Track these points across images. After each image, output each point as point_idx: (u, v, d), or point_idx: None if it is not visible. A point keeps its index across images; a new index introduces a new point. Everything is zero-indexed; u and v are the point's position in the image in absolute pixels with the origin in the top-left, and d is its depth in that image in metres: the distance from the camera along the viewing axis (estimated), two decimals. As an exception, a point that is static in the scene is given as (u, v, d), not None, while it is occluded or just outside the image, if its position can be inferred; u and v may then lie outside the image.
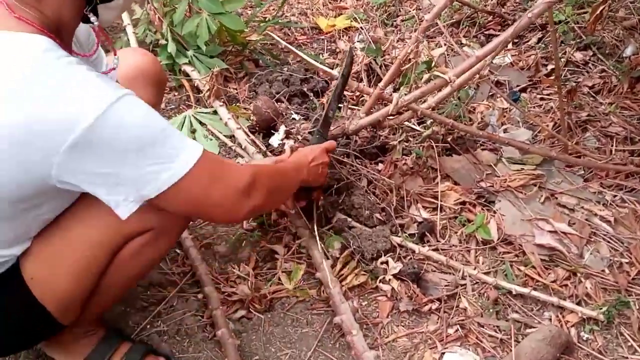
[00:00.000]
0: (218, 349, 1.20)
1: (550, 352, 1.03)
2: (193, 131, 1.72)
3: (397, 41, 2.04)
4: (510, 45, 2.02)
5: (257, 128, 1.66)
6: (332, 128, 1.43)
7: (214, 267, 1.38)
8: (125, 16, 1.99)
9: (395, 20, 2.19)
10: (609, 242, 1.34)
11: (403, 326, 1.19)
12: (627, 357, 1.11)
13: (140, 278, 1.15)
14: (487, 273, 1.25)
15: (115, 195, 0.81)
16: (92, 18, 0.85)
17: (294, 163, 1.19)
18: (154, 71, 1.21)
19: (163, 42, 1.90)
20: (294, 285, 1.27)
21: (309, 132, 1.50)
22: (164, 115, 1.75)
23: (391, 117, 1.42)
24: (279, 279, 1.31)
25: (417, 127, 1.61)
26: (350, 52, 1.38)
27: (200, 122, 1.73)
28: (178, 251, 1.43)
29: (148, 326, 1.28)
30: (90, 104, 0.74)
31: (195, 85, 1.85)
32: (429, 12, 2.12)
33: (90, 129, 0.73)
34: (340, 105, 1.36)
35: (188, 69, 1.87)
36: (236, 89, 1.86)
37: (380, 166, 1.55)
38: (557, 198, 1.46)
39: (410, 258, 1.28)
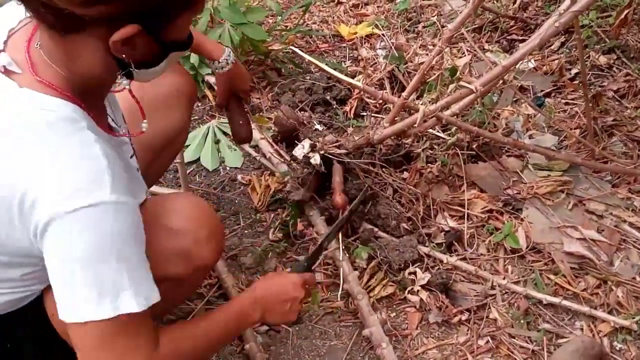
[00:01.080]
0: (246, 362, 1.21)
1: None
2: (217, 142, 1.74)
3: (420, 47, 2.04)
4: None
5: (279, 138, 1.67)
6: (356, 137, 1.43)
7: (241, 279, 1.38)
8: None
9: (417, 27, 2.18)
10: (639, 249, 1.31)
11: (433, 338, 1.19)
12: (662, 369, 1.09)
13: None
14: (516, 282, 1.24)
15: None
16: (125, 82, 0.77)
17: (242, 308, 0.95)
18: (189, 92, 1.20)
19: (185, 52, 1.93)
20: (320, 295, 1.27)
21: (295, 261, 1.39)
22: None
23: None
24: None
25: (442, 135, 1.60)
26: (365, 191, 1.32)
27: (224, 133, 1.75)
28: (205, 262, 1.44)
29: (177, 338, 1.29)
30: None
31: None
32: (450, 18, 2.12)
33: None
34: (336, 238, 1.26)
35: (211, 79, 1.89)
36: (259, 98, 1.87)
37: (405, 174, 1.55)
38: (585, 205, 1.44)
39: (439, 268, 1.28)
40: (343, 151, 1.41)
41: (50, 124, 0.69)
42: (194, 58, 1.88)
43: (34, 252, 0.71)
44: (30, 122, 0.69)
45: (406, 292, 1.24)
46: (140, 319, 0.73)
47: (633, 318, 1.15)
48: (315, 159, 1.40)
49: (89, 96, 0.76)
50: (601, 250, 1.32)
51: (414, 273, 1.25)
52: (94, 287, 0.68)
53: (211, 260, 0.98)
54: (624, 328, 1.15)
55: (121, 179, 0.72)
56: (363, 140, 1.45)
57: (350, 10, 2.36)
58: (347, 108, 1.80)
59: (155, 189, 1.65)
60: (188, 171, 1.66)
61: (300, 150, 1.44)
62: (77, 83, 0.73)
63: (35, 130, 0.69)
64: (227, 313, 0.93)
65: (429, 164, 1.53)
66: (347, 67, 2.03)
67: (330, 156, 1.40)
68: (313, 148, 1.38)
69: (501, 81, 1.80)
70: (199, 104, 1.93)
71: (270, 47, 2.02)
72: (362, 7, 2.39)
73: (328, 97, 1.82)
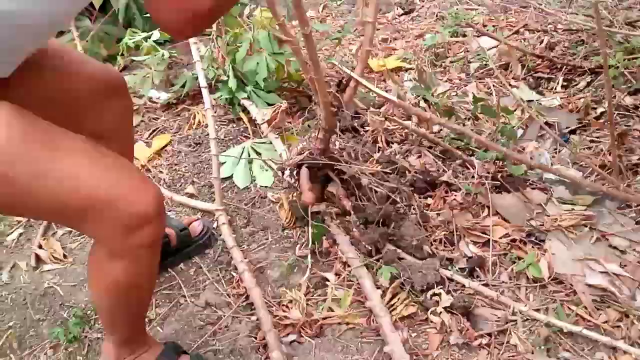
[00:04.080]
0: (271, 371, 1.24)
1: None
2: (250, 162, 1.82)
3: (445, 81, 2.11)
4: (559, 88, 2.06)
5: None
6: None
7: (267, 291, 1.44)
8: (194, 52, 2.14)
9: (444, 62, 2.26)
10: (663, 285, 1.32)
11: (453, 359, 1.21)
12: (684, 404, 1.09)
13: (113, 303, 1.10)
14: (537, 310, 1.26)
15: None
16: None
17: None
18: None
19: (224, 77, 2.04)
20: (344, 310, 1.31)
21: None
22: (221, 147, 1.86)
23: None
24: (330, 307, 1.36)
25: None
26: None
27: (257, 152, 1.83)
28: (234, 274, 1.50)
29: (203, 345, 1.34)
30: None
31: (253, 118, 1.96)
32: (477, 55, 2.20)
33: None
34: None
35: (246, 103, 1.99)
36: (290, 122, 1.96)
37: (430, 200, 1.60)
38: (608, 239, 1.46)
39: (460, 292, 1.31)
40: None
41: None
42: (232, 82, 1.98)
43: None
44: None
45: (428, 312, 1.27)
46: None
47: (654, 351, 1.16)
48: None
49: None
50: (623, 284, 1.33)
51: (438, 294, 1.28)
52: None
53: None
54: (645, 361, 1.16)
55: None
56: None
57: (380, 44, 2.46)
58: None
59: (191, 201, 1.74)
60: (221, 187, 1.73)
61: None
62: None
63: None
64: None
65: (454, 192, 1.58)
66: (375, 97, 2.10)
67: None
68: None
69: (527, 115, 1.87)
70: (234, 125, 2.02)
71: (303, 75, 2.12)
72: (391, 41, 2.49)
73: (356, 124, 1.90)
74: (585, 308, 1.27)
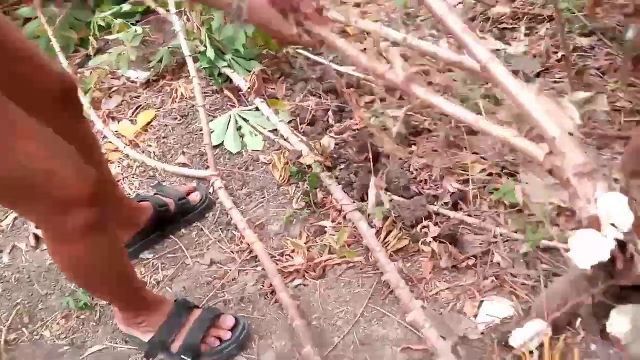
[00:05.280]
0: (281, 311, 1.36)
1: (578, 290, 1.17)
2: (239, 128, 1.90)
3: (419, 39, 2.21)
4: (522, 37, 2.18)
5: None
6: None
7: (269, 245, 1.54)
8: (175, 22, 2.12)
9: (415, 21, 2.36)
10: (624, 202, 1.47)
11: (445, 281, 1.34)
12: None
13: (82, 283, 1.20)
14: (516, 232, 1.40)
15: None
16: None
17: None
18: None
19: (202, 48, 2.09)
20: (341, 245, 1.42)
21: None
22: (209, 118, 1.92)
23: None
24: (330, 250, 1.47)
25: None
26: None
27: (245, 120, 1.91)
28: (235, 233, 1.59)
29: (213, 298, 1.44)
30: None
31: (237, 85, 2.03)
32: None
33: None
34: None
35: (228, 71, 2.05)
36: (274, 88, 2.03)
37: (414, 147, 1.71)
38: (575, 167, 1.60)
39: (447, 223, 1.44)
40: None
41: None
42: (210, 52, 2.03)
43: None
44: None
45: (419, 244, 1.40)
46: None
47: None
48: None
49: None
50: (590, 204, 1.48)
51: (427, 227, 1.41)
52: None
53: None
54: (612, 265, 1.31)
55: None
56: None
57: (353, 9, 2.54)
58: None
59: (184, 170, 1.82)
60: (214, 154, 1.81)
61: None
62: None
63: None
64: None
65: (434, 137, 1.70)
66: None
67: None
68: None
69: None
70: (218, 96, 2.09)
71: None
72: (363, 5, 2.56)
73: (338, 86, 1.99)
74: (558, 226, 1.42)
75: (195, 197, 1.66)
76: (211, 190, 1.72)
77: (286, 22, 1.01)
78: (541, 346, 1.12)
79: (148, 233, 1.57)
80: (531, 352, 1.12)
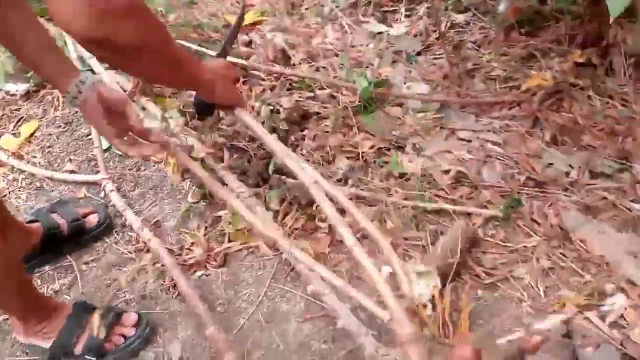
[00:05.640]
0: (184, 303, 1.33)
1: (462, 242, 1.25)
2: (127, 128, 1.83)
3: (304, 27, 2.25)
4: (403, 18, 2.29)
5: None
6: None
7: (167, 240, 1.50)
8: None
9: (300, 10, 2.40)
10: (501, 160, 1.59)
11: (343, 253, 1.38)
12: (524, 242, 1.36)
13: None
14: (405, 199, 1.46)
15: None
16: None
17: (199, 62, 1.18)
18: None
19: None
20: (236, 229, 1.42)
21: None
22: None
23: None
24: (229, 238, 1.46)
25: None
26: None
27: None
28: (131, 234, 1.54)
29: (114, 299, 1.39)
30: None
31: (121, 86, 1.95)
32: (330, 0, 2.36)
33: None
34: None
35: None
36: (160, 86, 1.98)
37: (306, 132, 1.74)
38: (456, 134, 1.70)
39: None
40: None
41: None
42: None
43: None
44: None
45: (316, 220, 1.42)
46: None
47: (499, 208, 1.41)
48: None
49: None
50: (471, 165, 1.58)
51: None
52: None
53: None
54: (493, 217, 1.41)
55: None
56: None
57: (237, 3, 2.53)
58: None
59: (73, 176, 1.73)
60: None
61: None
62: None
63: None
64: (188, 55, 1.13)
65: (324, 119, 1.74)
66: (241, 51, 2.19)
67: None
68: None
69: (380, 47, 2.08)
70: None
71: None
72: (248, -1, 2.56)
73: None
74: (443, 189, 1.50)
75: (92, 220, 1.56)
76: (102, 195, 1.65)
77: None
78: (433, 297, 1.19)
79: (39, 254, 1.48)
80: (424, 305, 1.18)
